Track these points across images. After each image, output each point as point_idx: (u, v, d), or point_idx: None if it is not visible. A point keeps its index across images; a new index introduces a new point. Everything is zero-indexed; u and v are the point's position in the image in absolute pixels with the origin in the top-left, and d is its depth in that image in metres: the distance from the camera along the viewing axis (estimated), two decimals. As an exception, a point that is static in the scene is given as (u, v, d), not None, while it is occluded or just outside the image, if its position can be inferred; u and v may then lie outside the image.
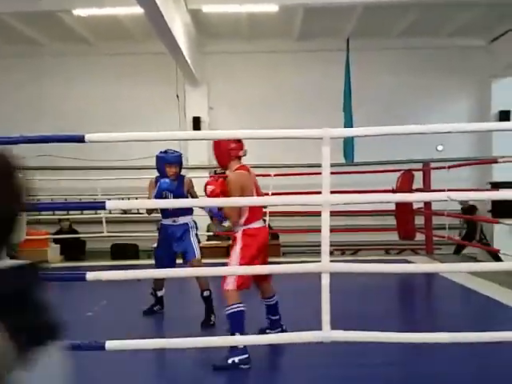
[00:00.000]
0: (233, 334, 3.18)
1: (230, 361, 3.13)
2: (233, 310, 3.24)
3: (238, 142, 3.41)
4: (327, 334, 2.58)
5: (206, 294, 4.29)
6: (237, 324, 3.20)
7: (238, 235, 3.45)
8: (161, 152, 4.40)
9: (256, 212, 3.51)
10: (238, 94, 10.09)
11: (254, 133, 2.89)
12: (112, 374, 3.13)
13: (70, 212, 9.50)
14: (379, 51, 10.04)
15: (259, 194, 3.61)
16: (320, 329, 2.58)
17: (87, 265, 7.04)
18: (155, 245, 4.86)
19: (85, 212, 9.49)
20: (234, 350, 3.13)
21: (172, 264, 4.38)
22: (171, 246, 4.44)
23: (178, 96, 10.15)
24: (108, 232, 8.09)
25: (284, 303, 4.71)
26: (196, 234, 4.54)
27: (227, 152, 3.49)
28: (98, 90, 10.14)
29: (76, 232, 8.98)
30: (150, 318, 4.56)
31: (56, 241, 8.21)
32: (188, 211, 4.47)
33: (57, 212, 9.48)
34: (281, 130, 2.69)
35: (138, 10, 6.95)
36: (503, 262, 5.46)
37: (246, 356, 3.13)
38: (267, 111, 9.63)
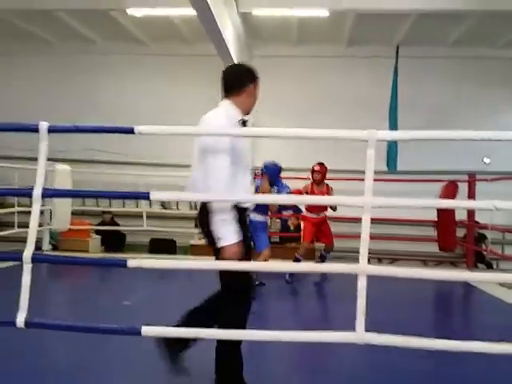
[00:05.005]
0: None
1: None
2: None
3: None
4: (361, 335, 2.54)
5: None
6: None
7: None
8: (272, 163, 5.68)
9: None
10: (283, 98, 10.09)
11: (298, 132, 2.89)
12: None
13: (113, 205, 9.76)
14: (429, 60, 9.86)
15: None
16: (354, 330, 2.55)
17: (127, 256, 7.19)
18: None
19: (126, 206, 9.76)
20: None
21: None
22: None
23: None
24: (148, 226, 8.27)
25: (319, 305, 4.68)
26: None
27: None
28: (146, 89, 10.36)
29: (117, 225, 9.20)
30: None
31: (98, 232, 8.43)
32: None
33: (100, 204, 9.76)
34: (325, 129, 2.68)
35: (191, 11, 7.08)
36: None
37: None
38: (312, 117, 9.60)
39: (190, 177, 2.81)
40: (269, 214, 5.69)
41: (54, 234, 8.06)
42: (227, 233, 2.47)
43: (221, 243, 2.48)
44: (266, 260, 5.42)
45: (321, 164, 6.26)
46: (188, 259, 7.68)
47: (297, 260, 6.17)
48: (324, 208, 6.32)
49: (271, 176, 5.56)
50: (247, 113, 2.84)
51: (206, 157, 2.58)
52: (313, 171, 6.22)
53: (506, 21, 8.55)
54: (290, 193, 5.66)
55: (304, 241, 6.48)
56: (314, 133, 2.91)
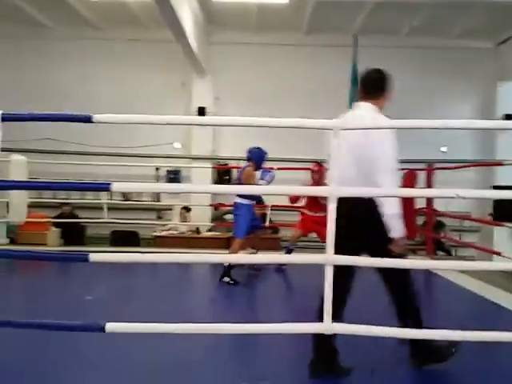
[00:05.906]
0: None
1: None
2: None
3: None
4: (328, 325, 2.56)
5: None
6: None
7: None
8: (256, 148, 5.65)
9: None
10: (243, 85, 10.04)
11: (262, 121, 2.82)
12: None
13: (72, 197, 9.49)
14: (387, 49, 9.93)
15: None
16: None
17: (87, 249, 7.02)
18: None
19: (86, 197, 9.51)
20: None
21: None
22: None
23: (184, 84, 10.09)
24: (109, 218, 8.09)
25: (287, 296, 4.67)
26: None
27: None
28: (103, 74, 10.09)
29: (77, 217, 8.97)
30: (152, 303, 4.50)
31: (56, 225, 8.19)
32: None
33: (58, 196, 9.49)
34: (290, 118, 2.65)
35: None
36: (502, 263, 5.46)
37: None
38: (272, 104, 9.58)
39: (339, 175, 2.70)
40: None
41: (12, 228, 7.78)
42: (400, 226, 2.74)
43: (394, 234, 2.75)
44: (242, 248, 5.52)
45: (318, 163, 6.08)
46: (152, 251, 7.57)
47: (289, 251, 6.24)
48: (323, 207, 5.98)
49: (257, 161, 5.61)
50: None
51: (381, 161, 2.73)
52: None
53: (460, 11, 8.75)
54: (273, 176, 5.66)
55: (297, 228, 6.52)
56: (277, 122, 2.87)
